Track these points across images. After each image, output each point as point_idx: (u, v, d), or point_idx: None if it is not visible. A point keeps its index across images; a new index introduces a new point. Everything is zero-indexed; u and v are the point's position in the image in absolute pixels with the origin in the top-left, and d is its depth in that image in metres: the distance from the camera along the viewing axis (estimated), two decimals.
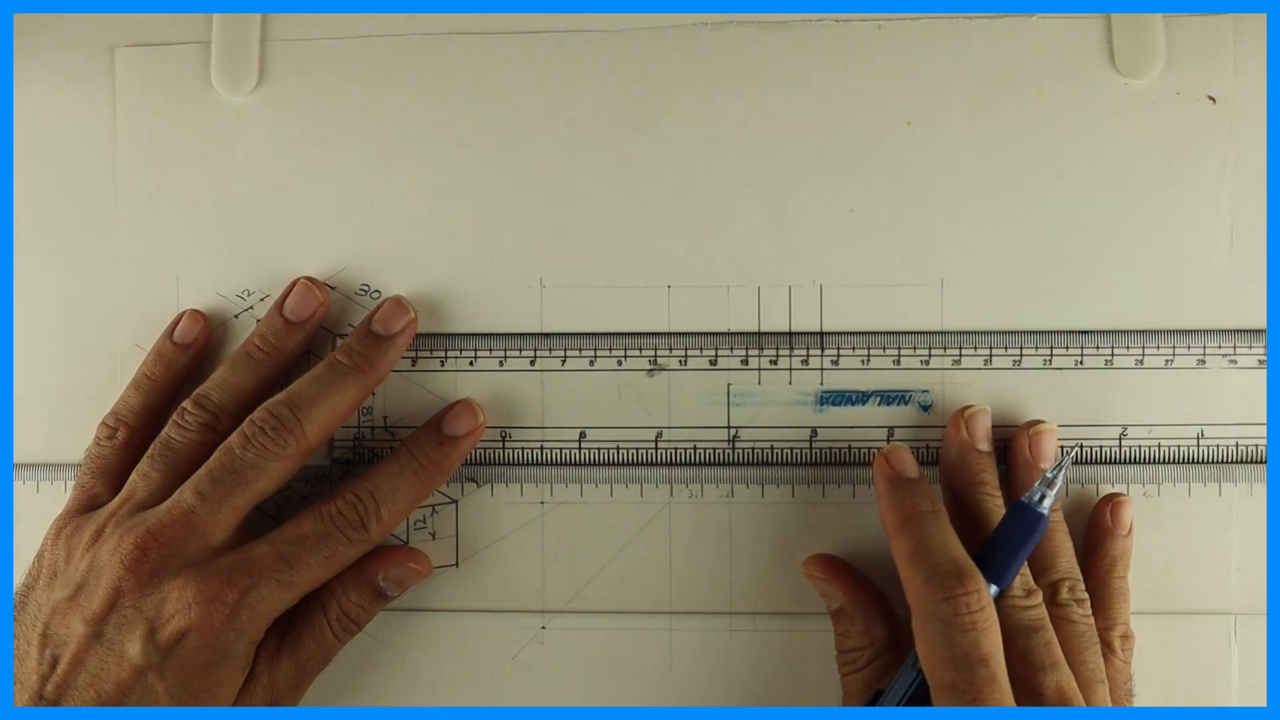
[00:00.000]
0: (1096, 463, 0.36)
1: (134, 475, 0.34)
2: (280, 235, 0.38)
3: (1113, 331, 0.36)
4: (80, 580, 0.32)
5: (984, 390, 0.36)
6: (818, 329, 0.37)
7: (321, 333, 0.37)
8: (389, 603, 0.35)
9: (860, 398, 0.37)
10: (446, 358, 0.37)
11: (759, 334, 0.37)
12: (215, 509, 0.32)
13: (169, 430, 0.34)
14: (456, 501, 0.37)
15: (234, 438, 0.33)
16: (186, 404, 0.35)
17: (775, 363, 0.37)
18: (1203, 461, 0.36)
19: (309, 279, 0.37)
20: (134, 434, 0.36)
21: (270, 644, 0.33)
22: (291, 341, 0.36)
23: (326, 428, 0.34)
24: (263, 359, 0.36)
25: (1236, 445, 0.36)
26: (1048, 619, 0.31)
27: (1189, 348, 0.36)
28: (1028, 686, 0.30)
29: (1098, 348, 0.36)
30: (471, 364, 0.37)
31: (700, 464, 0.37)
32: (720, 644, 0.37)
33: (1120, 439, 0.36)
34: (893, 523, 0.33)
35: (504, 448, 0.37)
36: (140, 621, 0.31)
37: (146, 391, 0.36)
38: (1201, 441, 0.36)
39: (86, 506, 0.35)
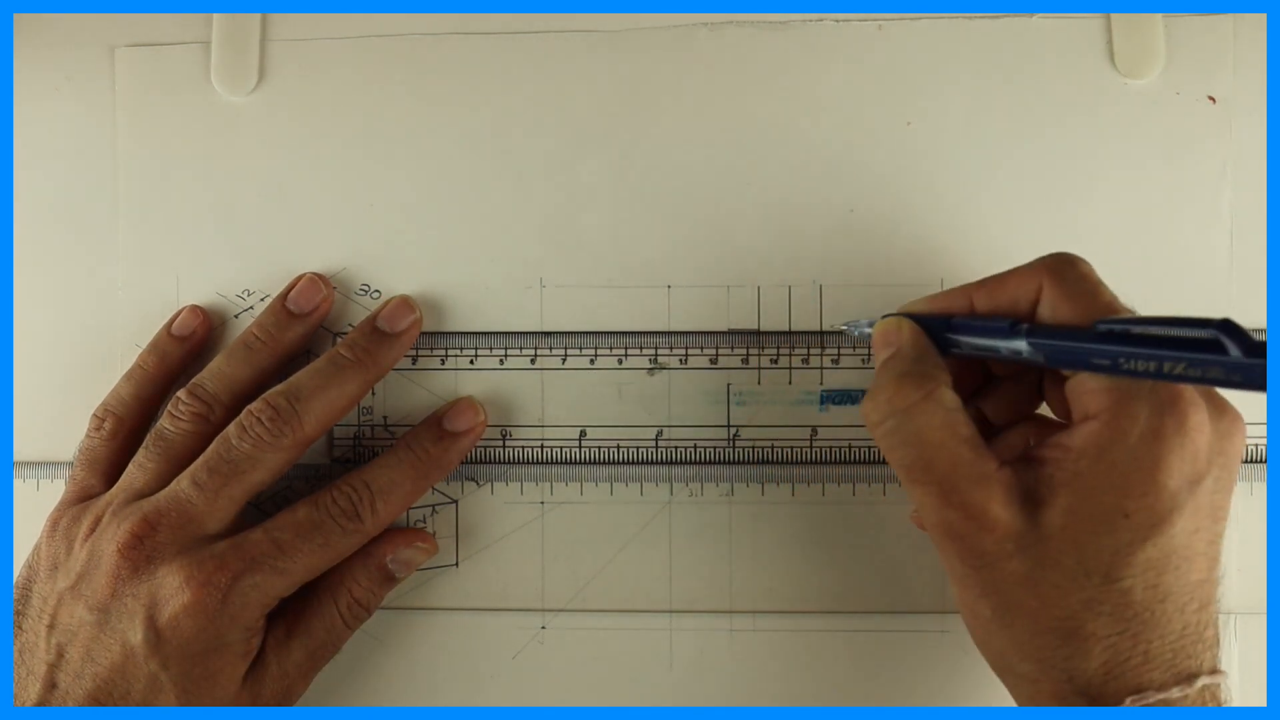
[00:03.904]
0: None
1: (131, 465, 0.34)
2: (280, 235, 0.38)
3: None
4: (81, 570, 0.32)
5: None
6: (818, 328, 0.37)
7: (321, 332, 0.37)
8: (397, 585, 0.35)
9: (861, 396, 0.37)
10: (447, 356, 0.37)
11: (759, 333, 0.37)
12: (211, 499, 0.32)
13: (163, 420, 0.34)
14: (456, 501, 0.37)
15: (231, 428, 0.33)
16: (180, 393, 0.35)
17: (776, 362, 0.37)
18: None
19: (316, 274, 0.37)
20: (121, 424, 0.36)
21: (279, 633, 0.34)
22: (291, 333, 0.36)
23: (324, 420, 0.34)
24: (260, 348, 0.35)
25: None
26: None
27: None
28: None
29: None
30: (472, 363, 0.37)
31: (700, 463, 0.37)
32: (720, 644, 0.37)
33: None
34: None
35: (504, 447, 0.37)
36: (139, 609, 0.31)
37: (138, 382, 0.36)
38: None
39: (80, 498, 0.35)
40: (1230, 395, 0.36)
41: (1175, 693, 0.27)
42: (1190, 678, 0.27)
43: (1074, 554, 0.27)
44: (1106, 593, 0.27)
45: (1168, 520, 0.26)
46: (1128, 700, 0.27)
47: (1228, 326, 0.24)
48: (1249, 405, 0.36)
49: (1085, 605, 0.27)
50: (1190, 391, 0.27)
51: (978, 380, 0.33)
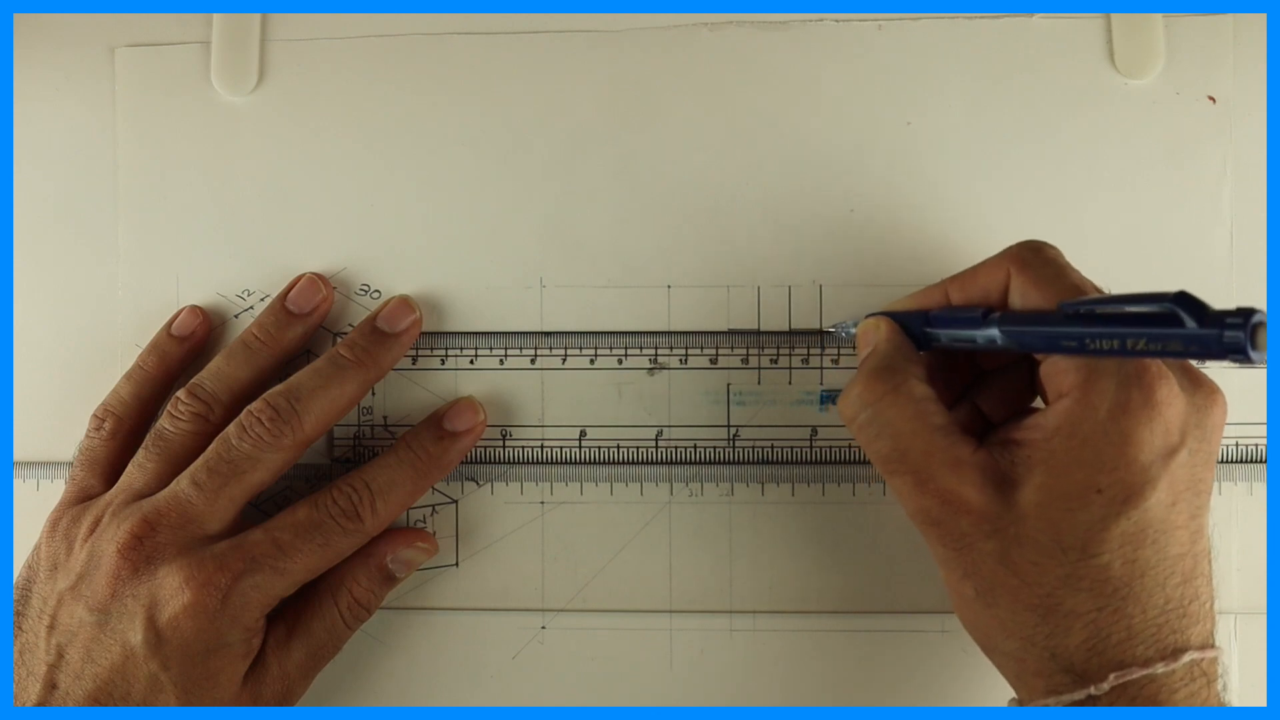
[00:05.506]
0: None
1: (130, 465, 0.34)
2: (280, 235, 0.38)
3: None
4: (81, 570, 0.32)
5: None
6: (818, 328, 0.37)
7: (321, 332, 0.37)
8: (397, 585, 0.35)
9: None
10: (447, 356, 0.37)
11: (759, 333, 0.37)
12: (211, 499, 0.32)
13: (162, 420, 0.34)
14: (456, 501, 0.37)
15: (231, 428, 0.33)
16: (180, 393, 0.35)
17: (776, 362, 0.37)
18: None
19: (316, 274, 0.37)
20: (121, 424, 0.36)
21: (280, 633, 0.34)
22: (291, 333, 0.36)
23: (324, 421, 0.34)
24: (259, 348, 0.35)
25: (1236, 445, 0.36)
26: None
27: None
28: None
29: None
30: (472, 363, 0.37)
31: (700, 463, 0.37)
32: (720, 644, 0.37)
33: None
34: None
35: (504, 446, 0.37)
36: (139, 609, 0.31)
37: (138, 382, 0.36)
38: None
39: (80, 498, 0.35)
40: (1229, 393, 0.36)
41: (1160, 668, 0.27)
42: (1176, 653, 0.27)
43: (1050, 531, 0.27)
44: (1084, 568, 0.27)
45: (1141, 494, 0.27)
46: (1111, 676, 0.27)
47: (1183, 299, 0.24)
48: (1248, 405, 0.36)
49: (1063, 582, 0.27)
50: (1158, 365, 0.27)
51: (967, 378, 0.33)
